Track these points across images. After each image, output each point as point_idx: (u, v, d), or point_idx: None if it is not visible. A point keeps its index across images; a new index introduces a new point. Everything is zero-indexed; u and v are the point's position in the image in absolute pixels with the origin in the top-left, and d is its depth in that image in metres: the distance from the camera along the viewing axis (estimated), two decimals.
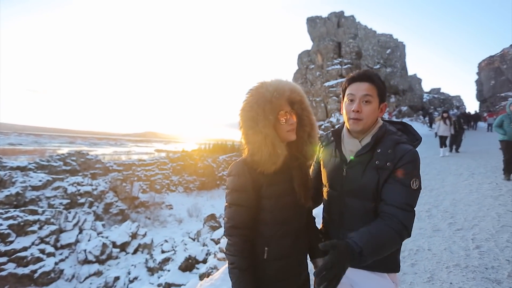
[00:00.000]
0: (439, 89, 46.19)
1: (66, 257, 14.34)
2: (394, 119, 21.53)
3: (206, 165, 34.28)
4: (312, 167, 1.40)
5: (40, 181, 18.95)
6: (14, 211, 14.02)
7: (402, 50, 34.69)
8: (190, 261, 12.22)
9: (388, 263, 1.13)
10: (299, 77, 26.70)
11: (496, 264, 2.72)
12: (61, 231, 14.89)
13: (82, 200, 19.71)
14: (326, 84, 23.06)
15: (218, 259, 7.77)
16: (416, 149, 1.11)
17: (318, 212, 1.41)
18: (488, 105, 34.13)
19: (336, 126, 1.58)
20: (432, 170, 7.38)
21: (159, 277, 12.55)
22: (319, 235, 1.31)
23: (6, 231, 12.94)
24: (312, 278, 1.18)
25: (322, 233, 1.32)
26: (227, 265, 1.09)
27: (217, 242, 11.95)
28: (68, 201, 19.03)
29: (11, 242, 12.99)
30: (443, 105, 38.40)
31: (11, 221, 13.32)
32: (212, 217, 17.54)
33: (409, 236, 1.00)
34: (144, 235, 16.91)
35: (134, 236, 16.37)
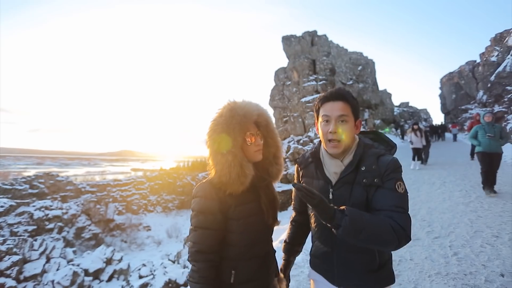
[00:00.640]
0: (408, 102, 49.13)
1: None
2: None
3: (185, 183, 33.41)
4: (293, 192, 1.39)
5: (1, 207, 17.41)
6: None
7: (372, 66, 36.80)
8: (170, 285, 11.56)
9: (386, 277, 1.13)
10: (276, 93, 27.29)
11: (473, 269, 2.83)
12: (25, 261, 13.55)
13: (51, 226, 18.25)
14: (303, 99, 23.72)
15: None
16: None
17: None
18: (452, 117, 36.74)
19: (311, 144, 1.59)
20: (407, 180, 7.66)
21: None
22: (275, 256, 1.29)
23: None
24: None
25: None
26: None
27: None
28: (34, 227, 17.52)
29: None
30: (412, 117, 40.79)
31: None
32: None
33: (409, 239, 0.97)
34: (120, 260, 15.83)
35: (109, 261, 15.27)
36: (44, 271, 13.68)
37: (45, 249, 14.38)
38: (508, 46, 25.43)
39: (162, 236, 23.40)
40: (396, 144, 1.22)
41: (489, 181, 5.58)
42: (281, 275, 1.34)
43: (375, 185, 1.04)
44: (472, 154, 10.29)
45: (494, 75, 24.79)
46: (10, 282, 12.54)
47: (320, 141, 1.22)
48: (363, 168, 1.08)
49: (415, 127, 9.55)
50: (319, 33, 27.75)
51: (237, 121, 1.05)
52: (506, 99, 21.97)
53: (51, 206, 19.07)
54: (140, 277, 13.54)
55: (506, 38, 26.45)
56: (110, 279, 14.68)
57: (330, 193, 1.13)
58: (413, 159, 9.53)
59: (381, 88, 38.25)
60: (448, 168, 9.26)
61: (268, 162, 1.20)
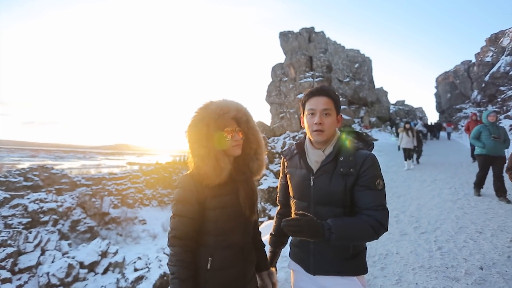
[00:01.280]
0: (404, 101, 49.45)
1: (26, 282, 13.02)
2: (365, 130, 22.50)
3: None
4: (279, 182, 1.50)
5: None
6: None
7: (369, 64, 36.93)
8: (165, 278, 11.71)
9: (358, 266, 1.22)
10: (273, 89, 27.31)
11: (455, 263, 2.98)
12: (19, 253, 13.58)
13: (46, 218, 18.21)
14: (300, 96, 23.79)
15: None
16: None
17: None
18: (446, 116, 37.19)
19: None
20: (399, 177, 7.83)
21: None
22: (264, 249, 1.39)
23: None
24: None
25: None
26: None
27: None
28: (29, 219, 17.48)
29: None
30: (407, 116, 41.12)
31: None
32: None
33: (386, 230, 1.12)
34: (116, 253, 15.89)
35: (104, 254, 15.32)
36: (39, 263, 13.70)
37: (40, 242, 14.38)
38: (503, 47, 25.70)
39: (157, 230, 23.49)
40: (373, 143, 1.34)
41: (481, 184, 5.51)
42: (272, 268, 1.42)
43: (351, 175, 1.16)
44: (473, 156, 9.33)
45: (488, 75, 25.09)
46: (5, 273, 12.58)
47: (305, 134, 1.33)
48: (341, 159, 1.19)
49: (407, 126, 9.32)
50: (316, 30, 27.72)
51: (211, 117, 1.13)
52: (499, 99, 22.29)
53: (45, 198, 19.01)
54: (136, 270, 13.63)
55: (501, 39, 26.72)
56: (105, 271, 14.76)
57: (311, 180, 1.24)
58: (405, 159, 9.27)
59: (377, 86, 38.46)
60: (440, 166, 9.43)
61: (249, 157, 1.27)
